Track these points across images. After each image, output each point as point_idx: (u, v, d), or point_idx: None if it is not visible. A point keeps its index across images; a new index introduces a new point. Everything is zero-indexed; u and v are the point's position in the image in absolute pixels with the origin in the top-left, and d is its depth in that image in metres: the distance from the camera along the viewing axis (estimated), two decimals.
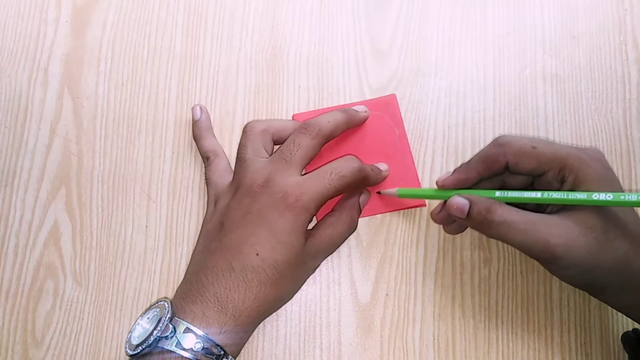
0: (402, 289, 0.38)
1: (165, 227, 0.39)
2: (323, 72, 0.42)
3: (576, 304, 0.38)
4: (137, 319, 0.31)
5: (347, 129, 0.38)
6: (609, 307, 0.38)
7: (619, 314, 0.38)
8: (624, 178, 0.40)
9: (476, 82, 0.42)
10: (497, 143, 0.33)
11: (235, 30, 0.43)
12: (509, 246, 0.39)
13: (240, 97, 0.42)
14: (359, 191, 0.37)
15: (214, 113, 0.41)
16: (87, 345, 0.37)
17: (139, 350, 0.29)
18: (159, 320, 0.29)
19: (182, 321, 0.29)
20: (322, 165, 0.34)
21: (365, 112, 0.39)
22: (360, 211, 0.37)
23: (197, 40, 0.43)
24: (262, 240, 0.31)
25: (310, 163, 0.35)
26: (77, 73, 0.42)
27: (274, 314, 0.37)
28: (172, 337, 0.29)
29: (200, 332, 0.29)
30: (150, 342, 0.29)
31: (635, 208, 0.31)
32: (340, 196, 0.37)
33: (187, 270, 0.35)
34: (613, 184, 0.31)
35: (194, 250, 0.36)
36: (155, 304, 0.32)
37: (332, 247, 0.35)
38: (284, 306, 0.36)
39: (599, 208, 0.30)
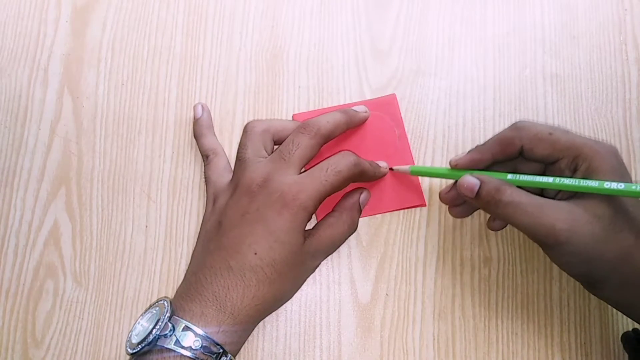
0: (402, 289, 0.38)
1: (165, 227, 0.39)
2: (323, 72, 0.42)
3: (576, 304, 0.38)
4: (138, 318, 0.31)
5: (346, 129, 0.38)
6: (609, 307, 0.38)
7: (619, 313, 0.38)
8: None
9: (476, 82, 0.42)
10: (515, 127, 0.33)
11: (235, 30, 0.43)
12: (509, 246, 0.39)
13: (240, 97, 0.42)
14: (359, 191, 0.37)
15: (214, 113, 0.41)
16: (87, 345, 0.37)
17: (138, 349, 0.29)
18: (158, 319, 0.29)
19: (181, 320, 0.29)
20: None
21: (366, 112, 0.39)
22: (360, 211, 0.37)
23: (197, 40, 0.43)
24: (260, 240, 0.31)
25: (309, 163, 0.35)
26: (77, 73, 0.42)
27: (273, 314, 0.37)
28: (171, 335, 0.29)
29: (199, 331, 0.29)
30: (149, 340, 0.29)
31: None
32: (340, 196, 0.37)
33: (187, 270, 0.35)
34: (624, 178, 0.31)
35: (193, 250, 0.36)
36: (155, 303, 0.32)
37: (332, 247, 0.35)
38: (283, 306, 0.37)
39: (609, 198, 0.30)
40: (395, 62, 0.42)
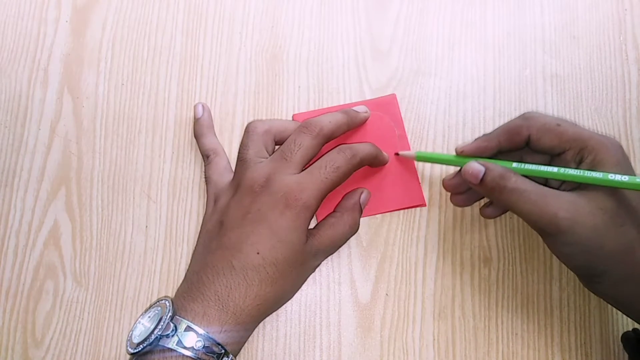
0: (402, 289, 0.38)
1: (165, 227, 0.39)
2: (323, 72, 0.42)
3: (576, 304, 0.38)
4: (138, 317, 0.31)
5: (348, 130, 0.38)
6: (609, 307, 0.38)
7: (619, 313, 0.38)
8: None
9: (476, 82, 0.42)
10: (523, 117, 0.34)
11: (235, 30, 0.43)
12: (509, 246, 0.39)
13: (240, 97, 0.42)
14: (359, 191, 0.37)
15: (214, 113, 0.41)
16: (87, 345, 0.37)
17: (140, 349, 0.29)
18: (160, 319, 0.29)
19: (183, 320, 0.29)
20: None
21: (366, 112, 0.39)
22: (361, 212, 0.37)
23: (197, 40, 0.43)
24: (262, 239, 0.31)
25: (310, 162, 0.35)
26: (77, 73, 0.42)
27: (274, 314, 0.37)
28: (173, 335, 0.29)
29: (201, 331, 0.29)
30: (151, 340, 0.29)
31: None
32: (340, 195, 0.37)
33: (187, 270, 0.35)
34: (628, 172, 0.31)
35: (194, 250, 0.36)
36: (156, 302, 0.32)
37: (333, 247, 0.35)
38: (284, 306, 0.37)
39: (613, 191, 0.30)
40: (395, 62, 0.42)
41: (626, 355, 0.36)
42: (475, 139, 0.35)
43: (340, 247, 0.36)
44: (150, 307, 0.32)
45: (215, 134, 0.40)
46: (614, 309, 0.38)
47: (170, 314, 0.30)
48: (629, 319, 0.37)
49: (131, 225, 0.39)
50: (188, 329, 0.29)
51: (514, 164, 0.33)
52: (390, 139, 0.40)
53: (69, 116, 0.41)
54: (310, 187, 0.32)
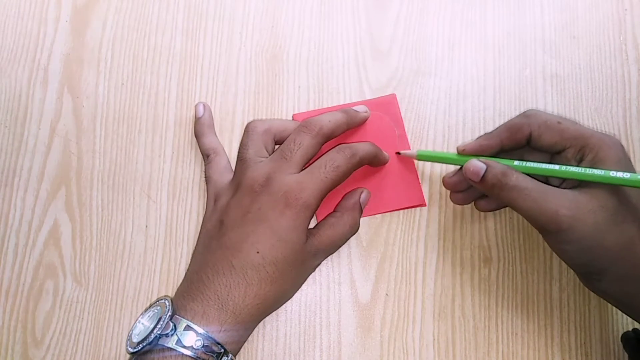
0: (402, 289, 0.38)
1: (165, 227, 0.39)
2: (323, 72, 0.42)
3: (576, 304, 0.38)
4: (138, 317, 0.31)
5: (347, 129, 0.38)
6: (609, 307, 0.38)
7: (619, 313, 0.38)
8: None
9: (476, 82, 0.42)
10: (525, 114, 0.34)
11: (235, 30, 0.43)
12: (509, 246, 0.39)
13: (240, 97, 0.42)
14: (359, 191, 0.37)
15: (214, 113, 0.41)
16: (87, 345, 0.37)
17: (139, 348, 0.29)
18: (160, 318, 0.29)
19: (183, 319, 0.29)
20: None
21: (366, 112, 0.39)
22: (361, 211, 0.37)
23: (197, 40, 0.43)
24: (262, 239, 0.31)
25: (310, 162, 0.35)
26: (77, 73, 0.42)
27: (274, 314, 0.37)
28: (172, 334, 0.29)
29: (200, 330, 0.29)
30: (150, 339, 0.29)
31: None
32: (340, 195, 0.37)
33: (187, 269, 0.35)
34: (629, 170, 0.31)
35: (194, 249, 0.36)
36: (156, 302, 0.32)
37: (333, 247, 0.35)
38: (284, 306, 0.37)
39: (613, 189, 0.30)
40: (395, 62, 0.42)
41: (626, 355, 0.36)
42: (477, 138, 0.35)
43: (340, 247, 0.36)
44: (150, 306, 0.32)
45: (215, 134, 0.40)
46: (614, 309, 0.38)
47: (169, 313, 0.30)
48: (629, 318, 0.37)
49: (131, 225, 0.39)
50: (187, 328, 0.29)
51: (516, 162, 0.33)
52: (390, 138, 0.40)
53: (69, 116, 0.41)
54: (310, 187, 0.32)
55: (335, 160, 0.34)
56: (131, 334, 0.31)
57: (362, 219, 0.39)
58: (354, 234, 0.36)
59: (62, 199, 0.40)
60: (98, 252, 0.39)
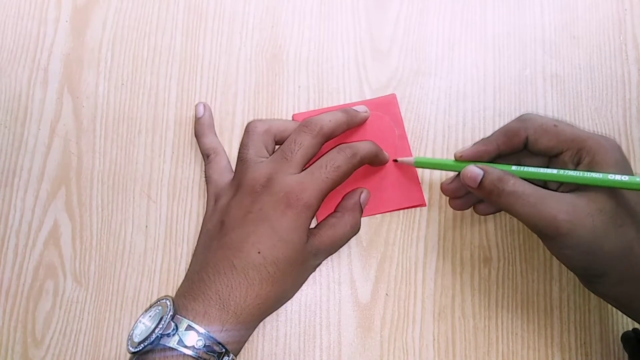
0: (402, 289, 0.38)
1: (165, 227, 0.39)
2: (323, 72, 0.42)
3: (576, 304, 0.38)
4: (139, 317, 0.31)
5: (347, 129, 0.38)
6: (609, 307, 0.38)
7: (619, 313, 0.38)
8: None
9: (476, 82, 0.42)
10: (521, 118, 0.34)
11: (235, 30, 0.43)
12: (509, 246, 0.39)
13: (240, 97, 0.42)
14: (359, 191, 0.37)
15: (214, 113, 0.41)
16: (87, 345, 0.37)
17: (140, 348, 0.29)
18: (161, 318, 0.29)
19: (184, 319, 0.29)
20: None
21: (366, 112, 0.39)
22: (362, 212, 0.37)
23: (197, 40, 0.43)
24: (263, 239, 0.31)
25: (310, 161, 0.35)
26: (77, 73, 0.42)
27: (274, 314, 0.37)
28: (174, 334, 0.29)
29: (202, 330, 0.29)
30: (152, 339, 0.29)
31: None
32: (340, 195, 0.37)
33: (188, 269, 0.35)
34: (627, 172, 0.31)
35: (194, 249, 0.36)
36: (157, 302, 0.32)
37: (334, 247, 0.35)
38: (284, 306, 0.37)
39: (612, 192, 0.30)
40: (395, 62, 0.42)
41: (626, 355, 0.36)
42: (474, 144, 0.35)
43: (341, 247, 0.36)
44: (151, 306, 0.32)
45: (215, 134, 0.40)
46: (614, 309, 0.38)
47: (171, 313, 0.30)
48: (629, 319, 0.37)
49: (131, 225, 0.39)
50: (189, 328, 0.29)
51: (513, 167, 0.33)
52: (390, 139, 0.40)
53: (69, 116, 0.41)
54: (311, 187, 0.32)
55: (335, 160, 0.34)
56: (132, 333, 0.31)
57: (362, 219, 0.39)
58: (355, 234, 0.36)
59: (62, 199, 0.40)
60: (98, 252, 0.39)
